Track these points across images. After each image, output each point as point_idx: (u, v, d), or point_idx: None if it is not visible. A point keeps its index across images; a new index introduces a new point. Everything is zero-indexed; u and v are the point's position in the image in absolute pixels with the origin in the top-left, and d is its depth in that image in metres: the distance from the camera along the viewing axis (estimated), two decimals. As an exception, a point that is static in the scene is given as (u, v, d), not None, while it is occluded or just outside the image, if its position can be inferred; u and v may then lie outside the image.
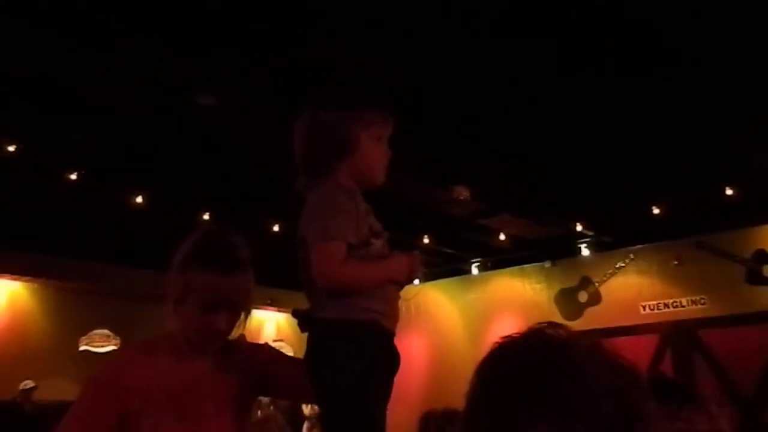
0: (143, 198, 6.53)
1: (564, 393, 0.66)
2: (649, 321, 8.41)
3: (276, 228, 7.24)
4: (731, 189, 6.74)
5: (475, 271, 9.78)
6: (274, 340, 10.02)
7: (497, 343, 0.77)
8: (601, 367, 0.69)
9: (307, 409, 9.01)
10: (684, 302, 8.28)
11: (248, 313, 1.80)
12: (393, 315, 1.67)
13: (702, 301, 8.16)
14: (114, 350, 8.69)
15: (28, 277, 8.30)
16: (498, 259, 9.47)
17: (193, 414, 1.65)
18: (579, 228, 8.24)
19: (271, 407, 7.78)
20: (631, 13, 3.92)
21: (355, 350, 1.57)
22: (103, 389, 1.70)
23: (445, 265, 9.62)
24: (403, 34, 4.11)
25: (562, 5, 3.83)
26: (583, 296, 8.97)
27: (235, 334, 1.84)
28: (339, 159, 1.70)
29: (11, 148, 5.46)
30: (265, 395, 1.89)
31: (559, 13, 3.89)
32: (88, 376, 1.77)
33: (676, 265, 8.32)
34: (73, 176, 6.00)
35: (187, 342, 1.72)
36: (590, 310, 8.84)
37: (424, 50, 4.28)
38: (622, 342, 8.31)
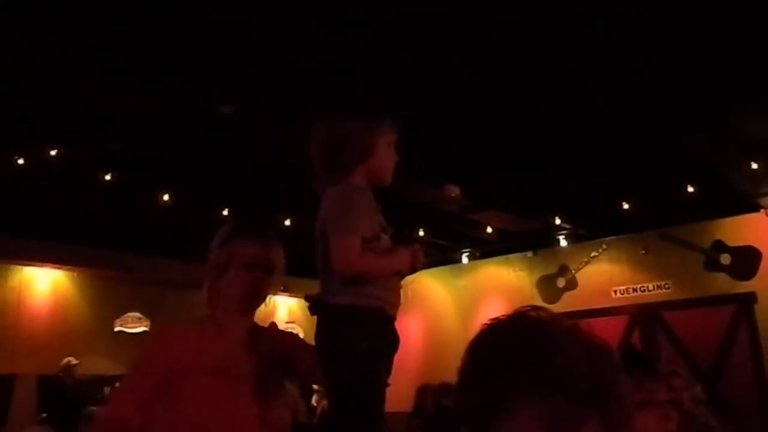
0: (169, 196, 6.53)
1: (547, 369, 0.66)
2: (619, 304, 8.43)
3: (287, 222, 7.23)
4: (692, 187, 6.74)
5: (465, 260, 9.78)
6: (286, 323, 10.04)
7: (486, 324, 0.76)
8: (580, 346, 0.69)
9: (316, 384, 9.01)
10: (650, 287, 8.29)
11: (282, 275, 1.87)
12: (395, 302, 1.68)
13: (666, 286, 8.18)
14: (144, 330, 8.71)
15: (68, 267, 8.32)
16: (485, 250, 9.47)
17: (232, 374, 1.69)
18: (557, 221, 8.23)
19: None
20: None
21: (361, 332, 1.58)
22: (149, 365, 1.75)
23: (439, 255, 9.63)
24: (400, 56, 4.10)
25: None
26: (561, 282, 8.98)
27: (267, 317, 1.90)
28: (358, 162, 1.71)
29: (53, 153, 5.47)
30: (287, 376, 1.93)
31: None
32: (137, 355, 1.82)
33: (643, 254, 8.32)
34: (108, 177, 6.01)
35: (234, 303, 1.76)
36: (567, 295, 8.85)
37: (424, 74, 4.28)
38: (595, 322, 8.28)
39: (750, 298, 7.49)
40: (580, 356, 0.68)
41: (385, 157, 1.76)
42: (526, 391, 0.66)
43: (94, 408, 7.15)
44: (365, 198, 1.66)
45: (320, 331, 1.63)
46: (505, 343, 0.71)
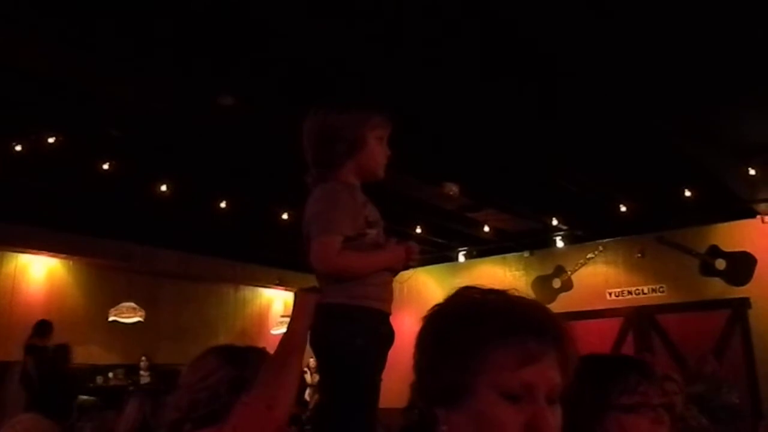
0: (167, 186, 6.52)
1: (515, 317, 0.81)
2: (614, 306, 8.46)
3: (285, 216, 7.23)
4: (689, 191, 6.76)
5: (461, 258, 9.80)
6: (282, 316, 10.05)
7: (437, 304, 0.89)
8: (531, 301, 0.86)
9: (309, 377, 9.05)
10: (645, 290, 8.32)
11: None
12: (387, 298, 1.67)
13: (661, 289, 8.21)
14: (139, 321, 8.69)
15: (64, 255, 8.30)
16: (482, 249, 9.49)
17: None
18: (555, 222, 8.25)
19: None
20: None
21: (354, 329, 1.58)
22: None
23: (435, 253, 9.64)
24: (402, 52, 4.10)
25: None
26: (557, 283, 9.00)
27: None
28: (347, 156, 1.71)
29: (51, 140, 5.45)
30: None
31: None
32: None
33: (639, 257, 8.35)
34: (106, 166, 5.99)
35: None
36: (563, 296, 8.88)
37: (423, 69, 4.28)
38: (590, 324, 8.36)
39: (744, 304, 7.52)
40: (536, 307, 0.84)
41: (375, 152, 1.74)
42: (499, 335, 0.80)
43: (86, 397, 7.18)
44: (349, 195, 1.65)
45: (313, 328, 1.64)
46: (474, 303, 0.85)
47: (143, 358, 8.28)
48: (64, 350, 6.87)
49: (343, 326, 1.59)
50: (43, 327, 7.06)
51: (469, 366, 0.80)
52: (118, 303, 8.65)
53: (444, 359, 0.83)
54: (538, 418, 0.79)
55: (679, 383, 2.58)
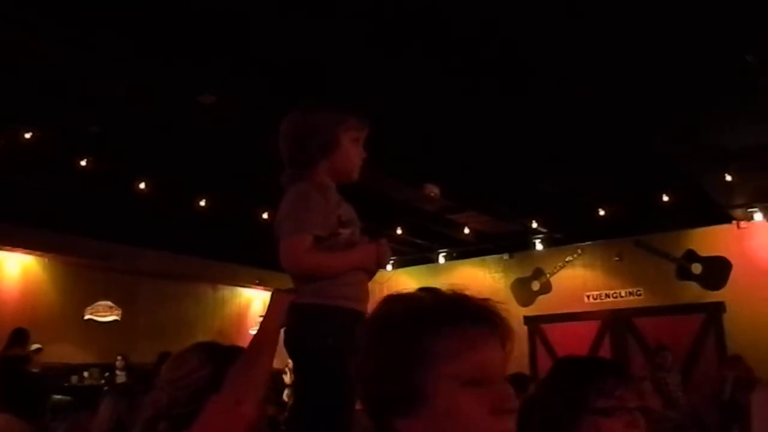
0: (146, 184, 6.44)
1: (455, 310, 0.85)
2: (592, 309, 8.54)
3: (265, 216, 7.19)
4: (667, 196, 6.86)
5: (441, 260, 9.83)
6: (260, 316, 9.98)
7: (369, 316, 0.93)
8: (453, 292, 0.90)
9: (288, 378, 9.00)
10: (622, 293, 8.42)
11: None
12: (363, 297, 1.67)
13: (638, 292, 8.31)
14: (115, 320, 8.58)
15: (39, 252, 8.15)
16: (462, 251, 9.53)
17: None
18: (534, 225, 8.32)
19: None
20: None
21: (326, 328, 1.58)
22: None
23: (416, 254, 9.66)
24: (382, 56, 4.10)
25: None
26: (535, 285, 9.06)
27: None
28: (321, 156, 1.71)
29: (27, 136, 5.35)
30: None
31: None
32: None
33: (617, 260, 8.45)
34: (83, 162, 5.90)
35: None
36: (542, 298, 8.94)
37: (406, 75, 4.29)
38: (568, 327, 8.45)
39: (719, 308, 7.65)
40: (468, 297, 0.88)
41: (350, 153, 1.74)
42: (441, 328, 0.83)
43: (60, 396, 7.05)
44: (321, 195, 1.64)
45: (287, 329, 1.63)
46: (409, 305, 0.88)
47: (119, 357, 8.15)
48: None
49: (315, 326, 1.58)
50: (20, 335, 6.72)
51: (417, 366, 0.81)
52: (95, 301, 8.52)
53: (392, 364, 0.82)
54: (504, 397, 0.80)
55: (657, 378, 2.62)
